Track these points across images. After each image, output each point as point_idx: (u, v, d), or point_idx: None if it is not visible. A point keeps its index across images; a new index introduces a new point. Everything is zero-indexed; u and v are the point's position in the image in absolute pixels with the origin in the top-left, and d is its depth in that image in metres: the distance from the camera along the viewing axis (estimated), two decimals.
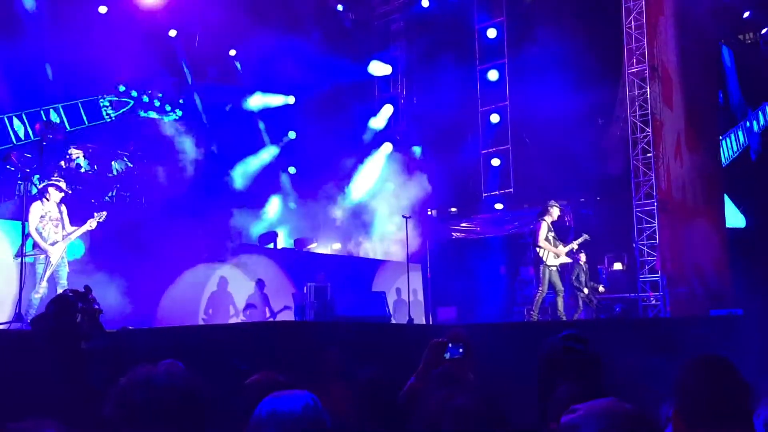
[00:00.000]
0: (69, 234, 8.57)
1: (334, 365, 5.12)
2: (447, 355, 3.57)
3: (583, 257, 12.00)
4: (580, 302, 11.97)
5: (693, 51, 13.99)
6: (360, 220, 16.24)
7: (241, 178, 15.70)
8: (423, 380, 3.52)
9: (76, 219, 8.81)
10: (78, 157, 11.88)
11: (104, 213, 8.79)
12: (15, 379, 4.60)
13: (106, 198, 11.92)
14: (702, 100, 14.26)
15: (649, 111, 13.05)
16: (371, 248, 15.95)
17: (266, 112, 16.69)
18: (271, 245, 14.43)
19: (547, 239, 10.32)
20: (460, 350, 3.57)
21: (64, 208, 8.65)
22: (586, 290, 11.90)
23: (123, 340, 6.01)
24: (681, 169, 13.51)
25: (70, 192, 8.91)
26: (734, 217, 14.75)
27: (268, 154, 16.69)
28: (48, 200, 8.51)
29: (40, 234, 8.33)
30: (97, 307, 4.99)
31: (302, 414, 2.01)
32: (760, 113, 15.77)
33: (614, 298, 13.22)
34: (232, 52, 16.28)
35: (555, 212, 10.56)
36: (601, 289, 12.38)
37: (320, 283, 11.37)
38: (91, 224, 8.68)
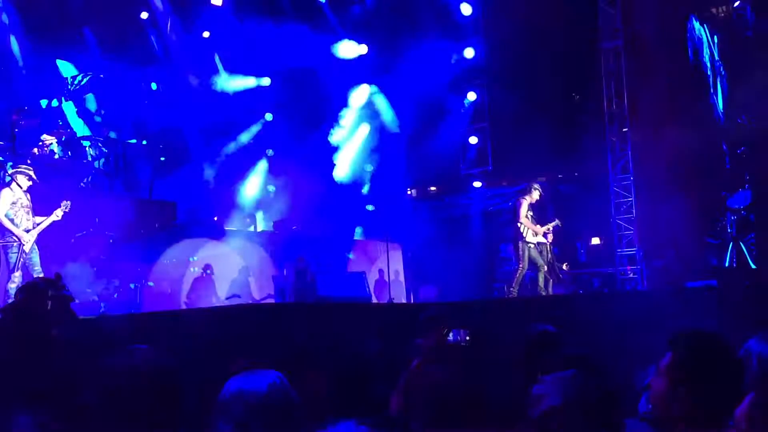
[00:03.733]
0: (38, 224, 8.50)
1: (309, 349, 5.12)
2: (452, 338, 3.62)
3: (550, 237, 12.25)
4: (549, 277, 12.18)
5: (669, 23, 14.04)
6: (340, 200, 16.21)
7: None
8: (427, 362, 3.55)
9: (52, 207, 8.72)
10: (51, 144, 11.71)
11: (68, 202, 8.71)
12: None
13: (82, 184, 11.78)
14: (678, 72, 14.34)
15: (625, 85, 13.12)
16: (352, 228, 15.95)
17: (242, 95, 16.52)
18: (252, 228, 14.39)
19: (526, 217, 10.47)
20: (466, 338, 3.62)
21: (29, 196, 8.56)
22: (546, 267, 12.05)
23: (100, 327, 5.98)
24: (657, 143, 13.62)
25: (38, 181, 8.82)
26: None
27: (245, 136, 16.56)
28: (19, 187, 8.43)
29: (11, 221, 8.25)
30: (67, 293, 4.95)
31: (268, 392, 2.02)
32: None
33: (592, 273, 13.38)
34: (206, 34, 16.07)
35: (536, 195, 10.73)
36: (564, 266, 12.49)
37: (300, 265, 11.36)
38: (57, 214, 8.62)
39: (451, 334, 3.65)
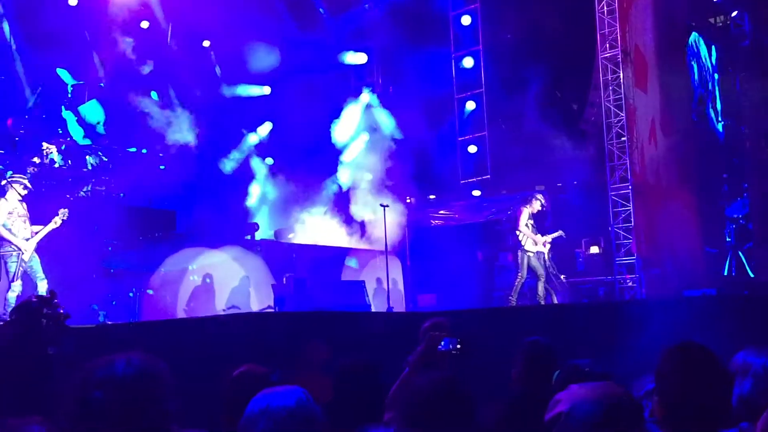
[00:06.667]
0: (36, 232, 8.52)
1: (320, 357, 5.13)
2: (443, 346, 3.61)
3: (547, 246, 12.29)
4: (550, 287, 12.17)
5: (667, 34, 14.12)
6: (339, 208, 16.24)
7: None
8: (417, 370, 3.56)
9: (53, 215, 8.73)
10: (51, 152, 11.75)
11: (66, 210, 8.73)
12: None
13: (81, 193, 11.81)
14: (676, 83, 14.41)
15: (623, 95, 13.15)
16: (349, 237, 15.97)
17: (242, 103, 16.57)
18: (249, 237, 14.39)
19: (526, 226, 10.50)
20: (457, 346, 3.61)
21: (25, 205, 8.59)
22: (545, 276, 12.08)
23: (100, 336, 5.99)
24: (655, 152, 13.66)
25: (32, 189, 8.85)
26: None
27: (246, 144, 16.59)
28: (14, 196, 8.45)
29: (9, 230, 8.27)
30: (62, 312, 4.96)
31: (296, 408, 2.04)
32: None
33: (591, 281, 13.39)
34: (206, 43, 16.13)
35: (536, 205, 10.76)
36: (562, 277, 12.46)
37: (299, 274, 11.37)
38: (56, 222, 8.63)
39: (442, 343, 3.64)
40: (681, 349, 2.35)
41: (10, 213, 8.36)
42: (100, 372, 2.01)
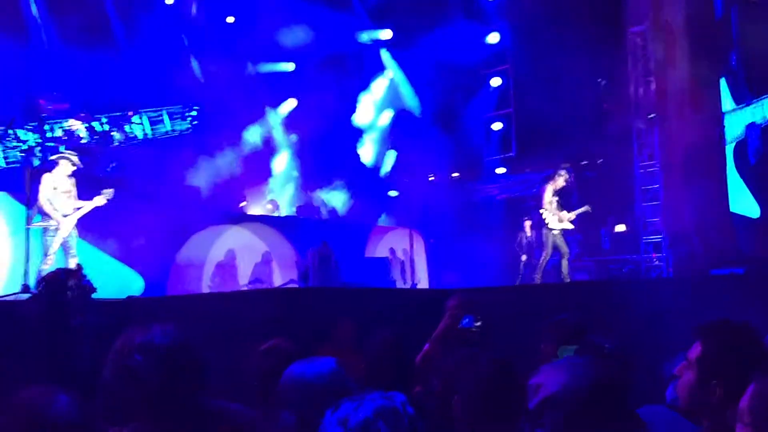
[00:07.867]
0: (79, 208, 8.60)
1: (347, 333, 5.14)
2: (464, 322, 3.60)
3: (528, 224, 12.41)
4: (521, 266, 12.36)
5: (699, 9, 13.79)
6: (363, 184, 16.24)
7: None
8: (439, 346, 3.55)
9: (79, 190, 8.81)
10: (78, 129, 11.85)
11: (112, 190, 8.79)
12: (7, 350, 4.67)
13: (107, 169, 11.91)
14: (706, 58, 14.10)
15: (652, 71, 12.93)
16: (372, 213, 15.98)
17: (266, 79, 16.56)
18: (276, 213, 14.46)
19: (550, 203, 10.42)
20: (477, 323, 3.59)
21: (74, 181, 8.67)
22: (524, 257, 12.12)
23: (125, 310, 6.06)
24: (684, 130, 13.43)
25: (81, 166, 8.93)
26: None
27: (270, 121, 16.61)
28: (62, 172, 8.56)
29: (51, 204, 8.37)
30: (88, 284, 5.02)
31: (330, 377, 2.10)
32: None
33: (617, 260, 13.28)
34: (230, 19, 16.10)
35: (560, 181, 10.65)
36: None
37: (324, 251, 11.38)
38: (99, 201, 8.70)
39: (464, 319, 3.63)
40: (727, 328, 2.27)
41: (55, 188, 8.46)
42: (138, 338, 2.07)
